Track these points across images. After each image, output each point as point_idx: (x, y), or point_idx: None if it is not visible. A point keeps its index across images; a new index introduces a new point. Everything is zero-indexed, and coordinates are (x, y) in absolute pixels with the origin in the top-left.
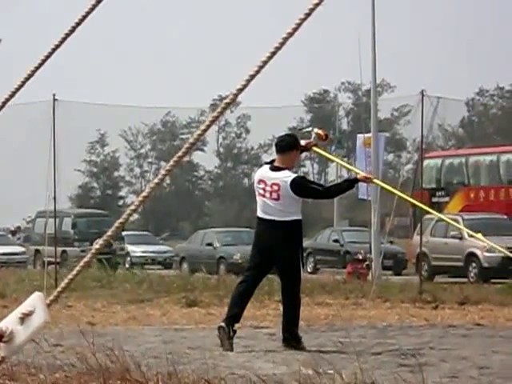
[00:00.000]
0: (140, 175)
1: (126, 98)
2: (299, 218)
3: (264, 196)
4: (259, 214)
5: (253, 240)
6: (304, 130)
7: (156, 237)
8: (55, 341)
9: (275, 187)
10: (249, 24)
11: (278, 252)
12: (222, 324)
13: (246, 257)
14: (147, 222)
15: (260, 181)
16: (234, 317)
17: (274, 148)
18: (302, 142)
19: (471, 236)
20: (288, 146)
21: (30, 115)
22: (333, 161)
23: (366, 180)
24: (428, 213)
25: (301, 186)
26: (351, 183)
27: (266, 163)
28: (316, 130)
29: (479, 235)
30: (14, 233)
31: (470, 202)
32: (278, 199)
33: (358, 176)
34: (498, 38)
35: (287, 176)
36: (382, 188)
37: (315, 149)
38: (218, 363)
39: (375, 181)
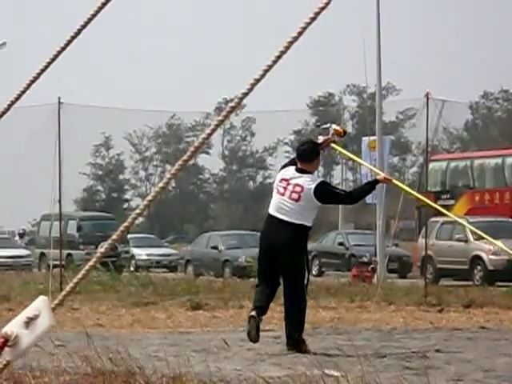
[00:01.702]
0: (145, 178)
1: (131, 101)
2: (309, 224)
3: (283, 194)
4: (271, 211)
5: (258, 240)
6: (322, 127)
7: (161, 240)
8: (60, 344)
9: (298, 188)
10: (254, 27)
11: (282, 256)
12: (253, 313)
13: (251, 260)
14: (152, 224)
15: (283, 179)
16: (261, 308)
17: (278, 150)
18: (320, 138)
19: (477, 239)
20: (312, 155)
21: (35, 118)
22: (350, 159)
23: (386, 181)
24: (441, 214)
25: (324, 193)
26: (372, 185)
27: (291, 164)
28: (334, 126)
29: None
30: (21, 235)
31: (475, 204)
32: (297, 200)
33: (378, 177)
34: (502, 40)
35: (312, 180)
36: (401, 189)
37: (333, 145)
38: (222, 366)
39: (395, 182)
